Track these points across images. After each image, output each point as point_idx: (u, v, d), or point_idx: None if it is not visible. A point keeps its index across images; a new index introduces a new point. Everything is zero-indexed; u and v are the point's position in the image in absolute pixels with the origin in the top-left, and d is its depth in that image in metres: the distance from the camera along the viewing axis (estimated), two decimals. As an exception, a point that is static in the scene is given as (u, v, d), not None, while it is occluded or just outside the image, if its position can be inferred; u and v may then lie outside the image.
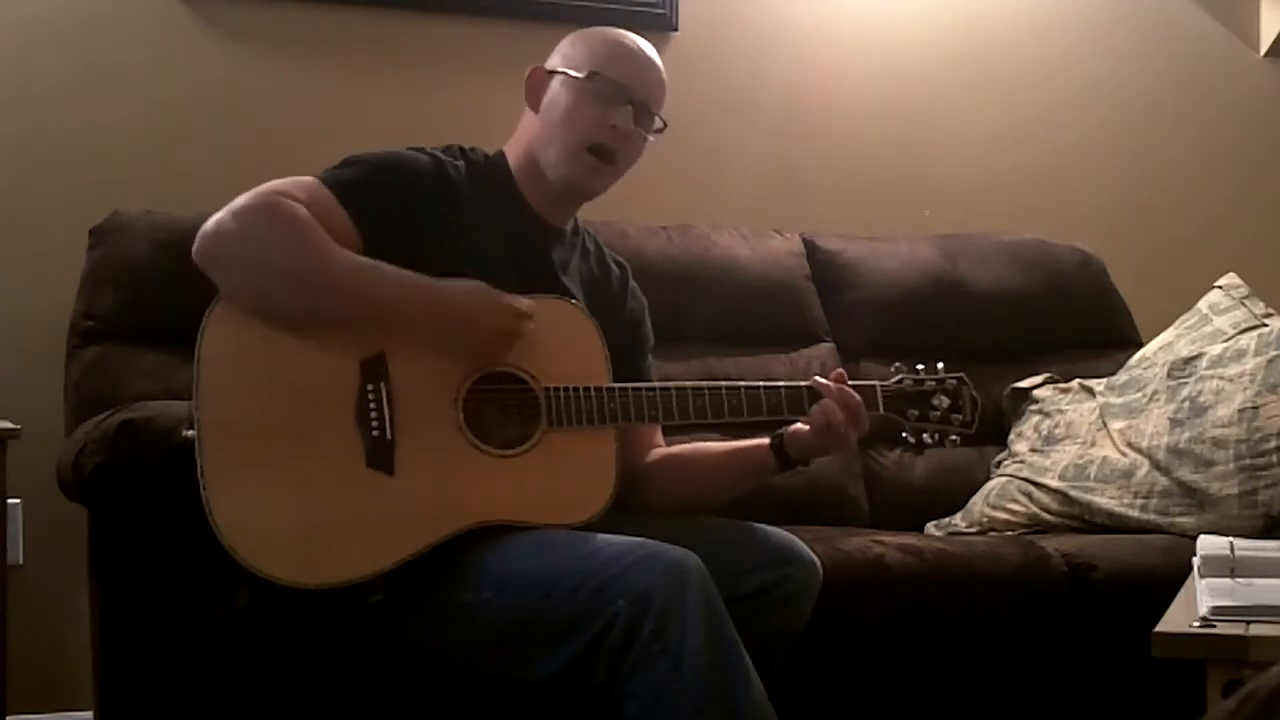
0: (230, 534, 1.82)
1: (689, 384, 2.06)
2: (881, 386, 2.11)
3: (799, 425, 2.07)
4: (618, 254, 2.30)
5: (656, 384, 2.07)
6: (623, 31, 2.16)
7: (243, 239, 1.89)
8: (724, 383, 2.07)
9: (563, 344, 2.02)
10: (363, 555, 1.87)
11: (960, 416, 2.13)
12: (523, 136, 2.14)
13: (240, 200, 1.92)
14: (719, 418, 2.05)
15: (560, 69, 2.11)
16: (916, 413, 2.12)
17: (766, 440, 2.11)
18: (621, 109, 2.08)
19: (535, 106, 2.12)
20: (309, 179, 1.97)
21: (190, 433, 1.86)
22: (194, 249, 1.91)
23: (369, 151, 2.04)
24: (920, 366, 2.14)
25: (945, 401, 2.12)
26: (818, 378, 2.07)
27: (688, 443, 2.25)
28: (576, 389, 1.99)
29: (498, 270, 2.02)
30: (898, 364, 2.15)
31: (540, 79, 2.12)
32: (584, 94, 2.08)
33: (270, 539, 1.84)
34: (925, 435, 2.12)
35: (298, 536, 1.86)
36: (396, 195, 1.99)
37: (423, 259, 1.96)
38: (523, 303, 1.96)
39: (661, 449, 2.21)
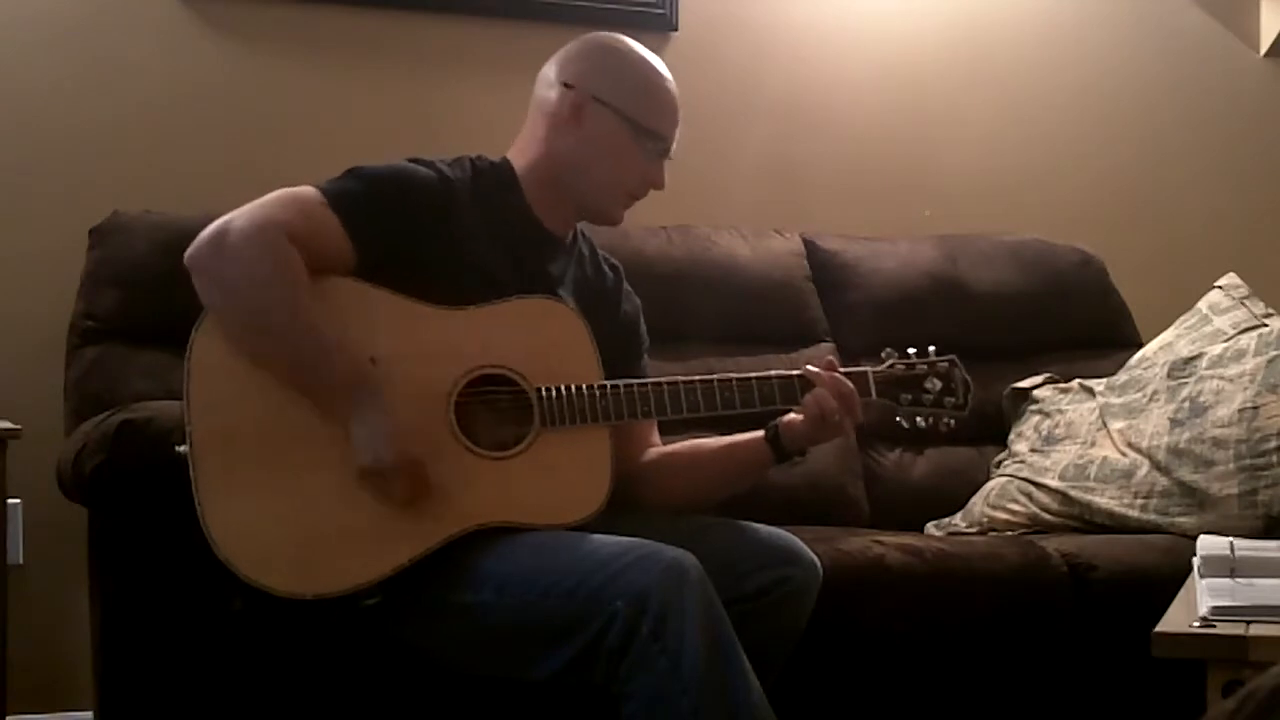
0: (227, 547, 1.82)
1: (680, 379, 2.06)
2: (873, 372, 2.11)
3: (793, 415, 2.07)
4: (616, 255, 2.30)
5: (648, 380, 2.07)
6: (659, 67, 2.14)
7: (236, 262, 1.88)
8: (716, 376, 2.07)
9: (554, 344, 2.02)
10: (360, 563, 1.86)
11: (953, 399, 2.13)
12: (541, 147, 2.12)
13: (246, 220, 1.90)
14: (712, 411, 2.05)
15: (609, 102, 2.08)
16: (909, 397, 2.12)
17: (761, 433, 2.11)
18: (661, 164, 2.12)
19: (572, 127, 2.08)
20: (311, 191, 1.97)
21: (182, 448, 1.85)
22: (188, 252, 1.91)
23: (372, 165, 2.04)
24: (912, 350, 2.14)
25: (937, 385, 2.13)
26: (809, 366, 2.07)
27: (683, 440, 2.25)
28: (569, 388, 1.99)
29: (495, 281, 2.02)
30: (888, 349, 2.15)
31: (583, 103, 2.08)
32: (635, 146, 2.09)
33: (267, 550, 1.84)
34: (919, 420, 2.12)
35: (294, 547, 1.86)
36: (395, 210, 1.98)
37: (421, 273, 1.96)
38: (422, 487, 1.89)
39: (658, 448, 2.21)
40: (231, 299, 1.90)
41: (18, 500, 2.64)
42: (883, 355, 2.14)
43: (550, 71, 2.14)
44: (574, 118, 2.08)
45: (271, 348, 1.90)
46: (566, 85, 2.10)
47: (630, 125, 2.09)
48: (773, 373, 2.08)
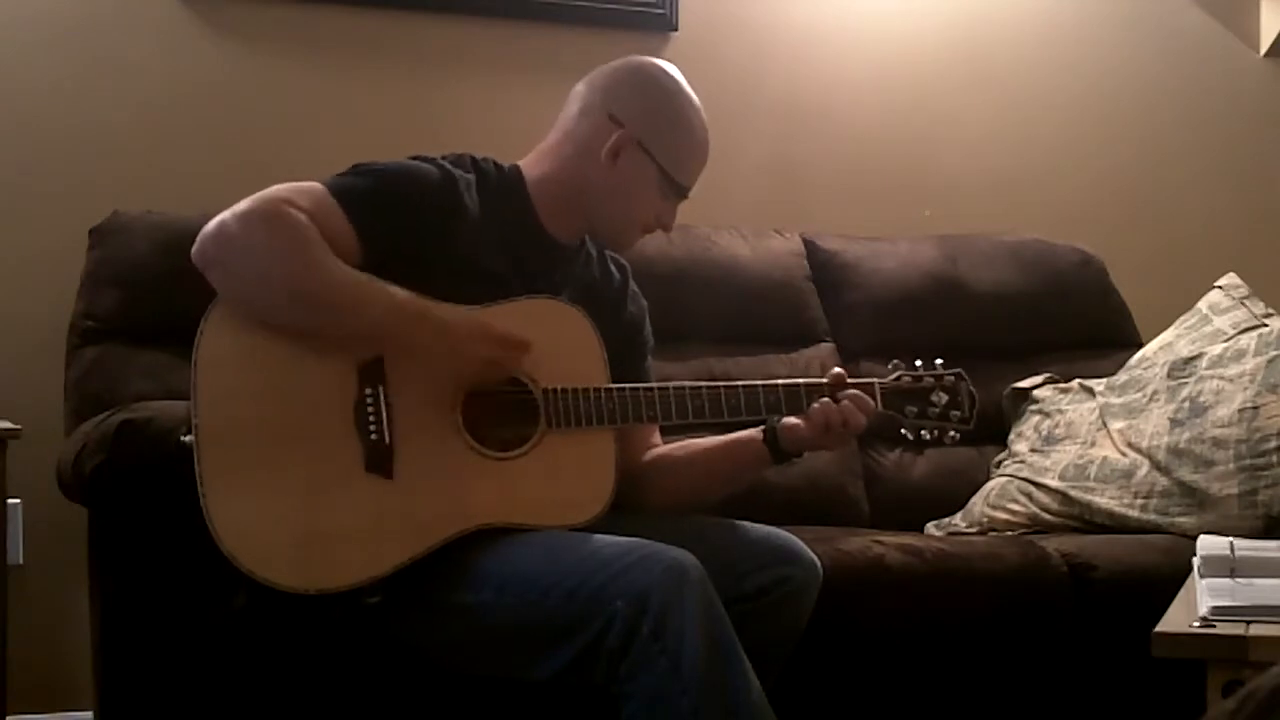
0: (230, 540, 1.82)
1: (687, 384, 2.06)
2: (880, 383, 2.11)
3: (795, 420, 2.07)
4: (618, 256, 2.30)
5: (654, 384, 2.07)
6: (702, 114, 2.13)
7: (244, 244, 1.88)
8: (722, 383, 2.07)
9: (560, 346, 2.02)
10: (362, 560, 1.87)
11: (958, 413, 2.13)
12: (564, 166, 2.11)
13: (244, 205, 1.90)
14: (717, 417, 2.05)
15: (652, 151, 2.08)
16: (915, 409, 2.12)
17: (759, 433, 2.11)
18: (675, 208, 2.15)
19: (609, 164, 2.08)
20: (315, 185, 1.96)
21: (188, 438, 1.85)
22: (194, 250, 1.91)
23: (378, 161, 2.03)
24: (918, 363, 2.14)
25: (943, 398, 2.12)
26: (823, 379, 2.07)
27: (681, 440, 2.25)
28: (575, 390, 1.99)
29: (501, 284, 2.02)
30: (895, 360, 2.15)
31: (626, 144, 2.07)
32: (659, 193, 2.11)
33: (270, 545, 1.84)
34: (923, 432, 2.11)
35: (297, 542, 1.86)
36: (401, 207, 1.98)
37: (424, 271, 1.96)
38: (513, 333, 1.95)
39: (658, 448, 2.21)
40: (250, 279, 1.90)
41: (18, 500, 2.64)
42: (890, 366, 2.14)
43: (595, 96, 2.12)
44: (612, 154, 2.08)
45: (302, 313, 1.90)
46: (614, 120, 2.09)
47: (663, 176, 2.10)
48: (780, 381, 2.08)
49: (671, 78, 2.14)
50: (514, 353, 1.96)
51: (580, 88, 2.14)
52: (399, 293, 1.91)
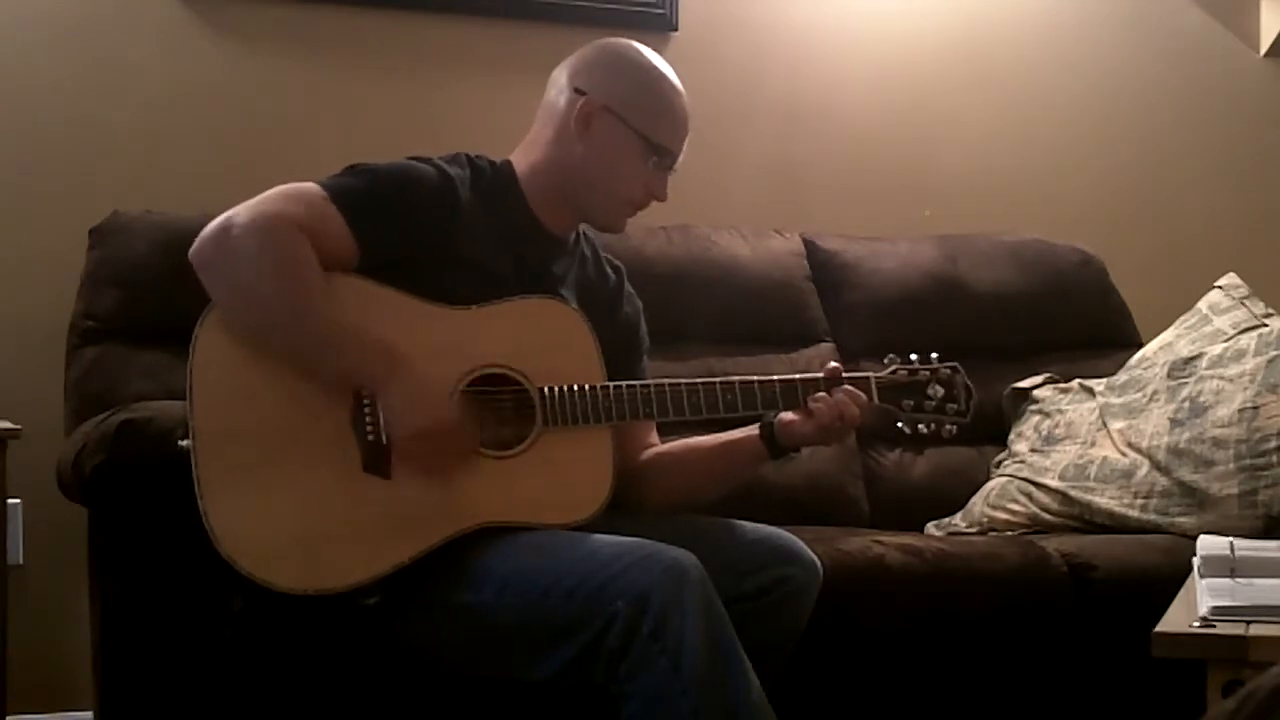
0: (227, 542, 1.82)
1: (683, 380, 2.06)
2: (876, 378, 2.11)
3: (792, 416, 2.07)
4: (616, 255, 2.30)
5: (650, 381, 2.07)
6: (673, 79, 2.13)
7: (243, 255, 1.88)
8: (718, 379, 2.07)
9: (557, 344, 2.02)
10: (360, 560, 1.87)
11: (955, 406, 2.12)
12: (546, 151, 2.11)
13: (249, 214, 1.90)
14: (714, 414, 2.05)
15: (621, 114, 2.07)
16: (911, 403, 2.11)
17: (756, 430, 2.10)
18: (666, 177, 2.12)
19: (581, 135, 2.08)
20: (313, 186, 1.96)
21: (185, 443, 1.85)
22: (192, 249, 1.91)
23: (374, 162, 2.03)
24: (914, 356, 2.14)
25: (940, 391, 2.12)
26: (819, 374, 2.07)
27: (679, 439, 2.25)
28: (571, 388, 1.99)
29: (497, 280, 2.02)
30: (891, 355, 2.15)
31: (595, 112, 2.07)
32: (642, 159, 2.09)
33: (268, 546, 1.84)
34: (920, 426, 2.11)
35: (295, 543, 1.86)
36: (398, 207, 1.98)
37: (422, 271, 1.96)
38: (455, 437, 1.91)
39: (655, 447, 2.21)
40: (237, 293, 1.90)
41: (18, 500, 2.64)
42: (885, 361, 2.14)
43: (562, 75, 2.13)
44: (583, 125, 2.07)
45: (280, 340, 1.90)
46: (579, 91, 2.09)
47: (640, 139, 2.08)
48: (775, 377, 2.08)
49: (635, 47, 2.15)
50: (445, 453, 1.91)
51: (554, 73, 2.15)
52: (372, 349, 1.90)
